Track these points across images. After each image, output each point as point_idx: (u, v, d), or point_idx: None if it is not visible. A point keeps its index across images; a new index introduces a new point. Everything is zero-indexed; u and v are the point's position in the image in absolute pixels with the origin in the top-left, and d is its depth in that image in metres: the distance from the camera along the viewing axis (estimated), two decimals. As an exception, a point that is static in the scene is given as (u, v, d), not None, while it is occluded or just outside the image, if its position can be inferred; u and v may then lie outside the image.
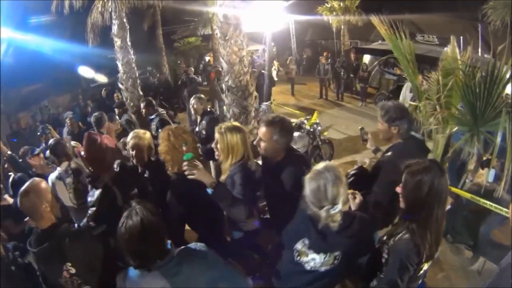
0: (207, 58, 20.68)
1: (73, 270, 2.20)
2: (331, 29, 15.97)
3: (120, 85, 8.01)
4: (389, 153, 2.76)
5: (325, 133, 7.09)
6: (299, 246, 2.07)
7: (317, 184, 1.84)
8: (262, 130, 2.49)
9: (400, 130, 2.64)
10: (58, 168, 3.74)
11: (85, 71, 12.70)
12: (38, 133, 7.38)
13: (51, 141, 4.19)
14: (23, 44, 10.50)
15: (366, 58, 12.68)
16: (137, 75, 8.08)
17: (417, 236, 1.82)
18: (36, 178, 2.37)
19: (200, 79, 12.24)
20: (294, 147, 4.90)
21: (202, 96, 5.44)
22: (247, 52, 5.63)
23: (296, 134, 5.75)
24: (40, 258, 2.24)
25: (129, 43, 7.81)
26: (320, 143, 6.19)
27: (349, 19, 14.79)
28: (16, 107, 14.14)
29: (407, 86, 7.55)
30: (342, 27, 15.55)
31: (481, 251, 3.74)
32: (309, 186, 1.88)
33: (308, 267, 2.06)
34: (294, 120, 6.95)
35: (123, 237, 1.62)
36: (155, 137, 4.23)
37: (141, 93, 8.13)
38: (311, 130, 6.10)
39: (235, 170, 2.55)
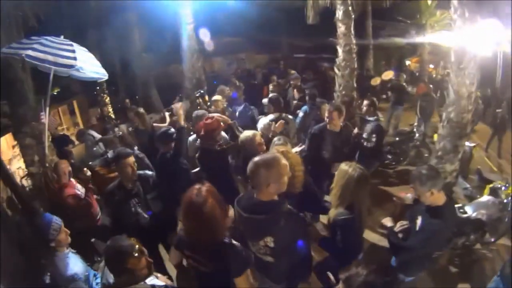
0: (407, 62, 19.47)
1: (271, 244, 2.38)
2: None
3: (336, 71, 7.99)
4: None
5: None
6: None
7: None
8: None
9: None
10: None
11: (203, 33, 12.49)
12: (197, 95, 7.90)
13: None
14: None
15: None
16: (355, 66, 7.88)
17: None
18: (278, 155, 2.45)
19: (410, 89, 11.21)
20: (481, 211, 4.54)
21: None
22: (475, 89, 5.17)
23: (487, 198, 5.13)
24: (249, 224, 2.44)
25: (353, 32, 7.68)
26: (506, 220, 5.33)
27: None
28: (213, 52, 15.25)
29: None
30: None
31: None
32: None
33: None
34: (493, 179, 6.19)
35: None
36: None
37: (355, 85, 7.93)
38: (505, 201, 5.26)
39: None
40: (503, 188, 5.47)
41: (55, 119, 6.81)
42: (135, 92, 13.80)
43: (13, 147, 4.93)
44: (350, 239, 2.70)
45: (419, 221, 2.92)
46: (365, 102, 5.78)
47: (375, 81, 12.84)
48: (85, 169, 4.32)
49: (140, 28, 12.50)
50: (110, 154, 5.85)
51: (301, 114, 6.26)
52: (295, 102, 7.42)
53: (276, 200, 2.38)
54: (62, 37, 4.61)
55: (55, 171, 4.05)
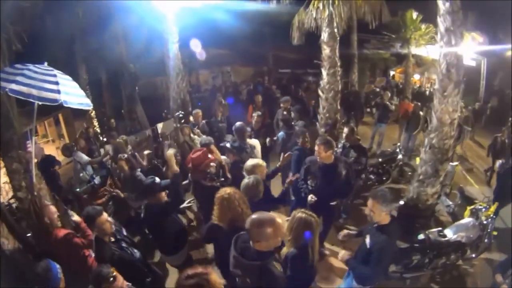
0: (391, 73, 19.75)
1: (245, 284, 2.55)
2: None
3: (320, 93, 7.92)
4: None
5: (494, 232, 6.21)
6: None
7: None
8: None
9: None
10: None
11: (195, 44, 12.62)
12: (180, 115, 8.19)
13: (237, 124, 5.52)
14: (221, 12, 11.31)
15: None
16: (339, 88, 7.81)
17: None
18: (274, 217, 2.46)
19: (393, 107, 10.90)
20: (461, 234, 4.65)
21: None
22: (458, 116, 5.34)
23: (468, 220, 5.23)
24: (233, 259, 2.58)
25: (337, 54, 7.61)
26: (486, 240, 5.48)
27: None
28: (199, 64, 15.22)
29: None
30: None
31: None
32: None
33: None
34: (474, 196, 6.36)
35: None
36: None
37: (339, 107, 7.89)
38: (484, 223, 5.35)
39: None
40: (483, 209, 5.62)
41: (41, 148, 6.69)
42: (121, 106, 13.65)
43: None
44: (299, 271, 2.95)
45: (367, 239, 3.28)
46: (345, 129, 6.12)
47: (368, 88, 13.12)
48: (73, 217, 4.14)
49: (127, 40, 12.42)
50: (96, 180, 5.87)
51: (278, 141, 6.47)
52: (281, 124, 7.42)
53: (264, 252, 2.45)
54: (45, 64, 4.54)
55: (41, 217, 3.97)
